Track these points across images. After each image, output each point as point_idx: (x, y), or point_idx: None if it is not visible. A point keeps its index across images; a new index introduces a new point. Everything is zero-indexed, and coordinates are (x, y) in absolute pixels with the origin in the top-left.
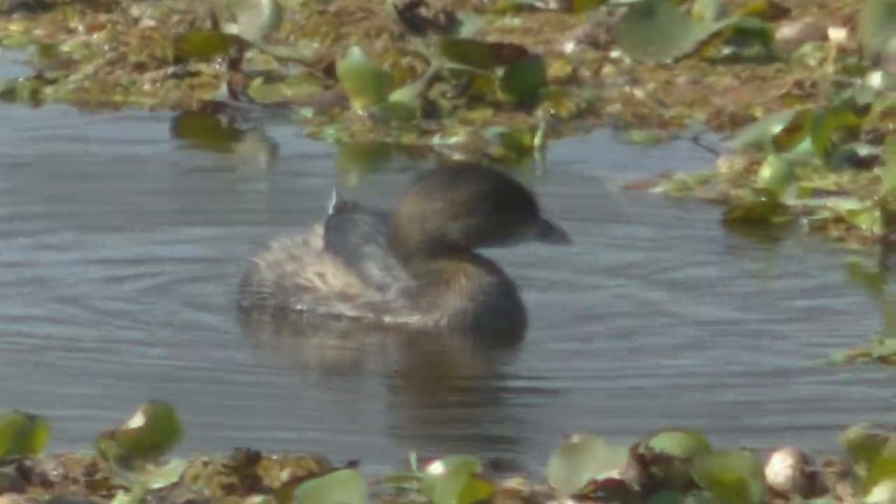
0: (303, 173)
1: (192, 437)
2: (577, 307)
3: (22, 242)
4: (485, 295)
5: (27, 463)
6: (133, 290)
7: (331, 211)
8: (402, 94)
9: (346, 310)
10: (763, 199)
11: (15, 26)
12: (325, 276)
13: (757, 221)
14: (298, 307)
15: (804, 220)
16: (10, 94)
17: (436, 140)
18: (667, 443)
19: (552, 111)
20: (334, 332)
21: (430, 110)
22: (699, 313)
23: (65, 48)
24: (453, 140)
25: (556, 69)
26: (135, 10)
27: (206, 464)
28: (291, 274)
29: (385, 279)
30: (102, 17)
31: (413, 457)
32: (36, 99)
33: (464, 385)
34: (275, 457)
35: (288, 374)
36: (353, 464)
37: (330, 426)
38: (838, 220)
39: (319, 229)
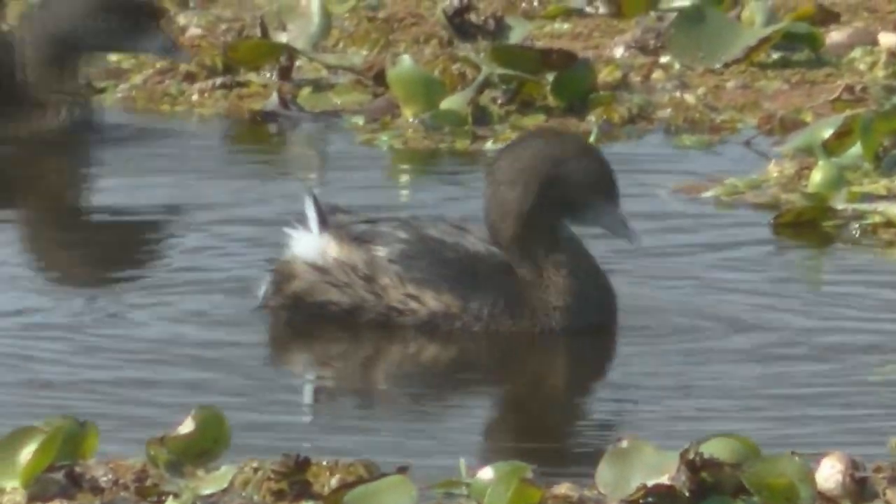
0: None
1: (242, 443)
2: (631, 309)
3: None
4: (583, 295)
5: (77, 469)
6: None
7: (314, 217)
8: (453, 101)
9: (450, 325)
10: (813, 203)
11: None
12: (419, 298)
13: (807, 226)
14: (398, 322)
15: (854, 225)
16: None
17: (488, 146)
18: (716, 448)
19: (604, 116)
20: (400, 339)
21: (481, 116)
22: (750, 318)
23: (112, 57)
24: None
25: (605, 74)
26: (182, 19)
27: (255, 470)
28: (376, 295)
29: (480, 291)
30: None
31: (462, 462)
32: None
33: (527, 389)
34: (324, 462)
35: (345, 380)
36: (402, 469)
37: (383, 432)
38: (888, 224)
39: (335, 236)
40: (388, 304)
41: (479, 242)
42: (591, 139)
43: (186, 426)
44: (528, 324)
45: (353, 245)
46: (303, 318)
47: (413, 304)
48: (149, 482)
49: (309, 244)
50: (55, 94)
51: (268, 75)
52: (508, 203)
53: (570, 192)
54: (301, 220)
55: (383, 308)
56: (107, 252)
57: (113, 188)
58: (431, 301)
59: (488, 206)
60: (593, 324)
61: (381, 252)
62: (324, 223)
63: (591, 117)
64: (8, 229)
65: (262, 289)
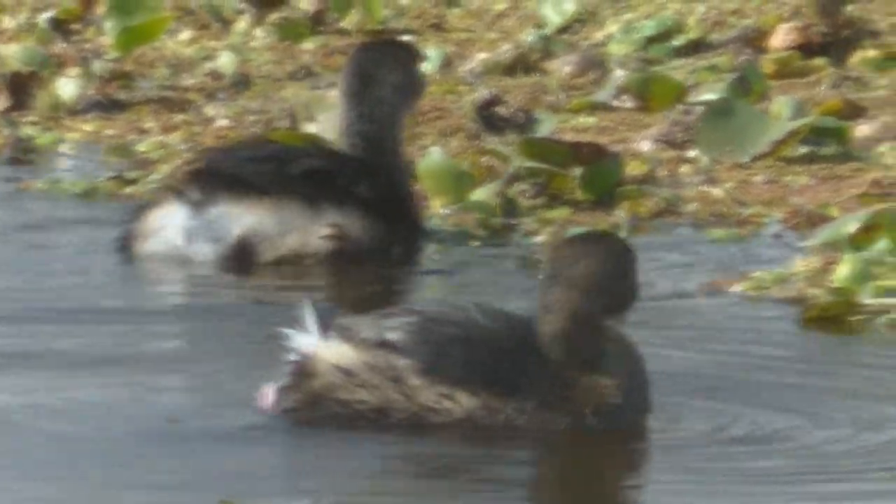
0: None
1: None
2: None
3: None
4: (626, 395)
5: None
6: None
7: (314, 321)
8: (482, 194)
9: (489, 421)
10: (839, 297)
11: (89, 126)
12: (453, 396)
13: (833, 320)
14: (431, 422)
15: (881, 319)
16: (91, 194)
17: (517, 239)
18: None
19: (632, 211)
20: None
21: (510, 209)
22: (780, 414)
23: (141, 148)
24: (535, 239)
25: (632, 168)
26: (209, 110)
27: None
28: (405, 396)
29: (516, 385)
30: (177, 118)
31: None
32: (117, 198)
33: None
34: None
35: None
36: None
37: None
38: None
39: (346, 338)
40: (421, 404)
41: (497, 324)
42: (622, 234)
43: None
44: (569, 420)
45: (373, 349)
46: (323, 417)
47: (447, 404)
48: None
49: (323, 345)
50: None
51: None
52: (561, 301)
53: (620, 301)
54: (299, 324)
55: (415, 408)
56: None
57: None
58: (466, 400)
59: (541, 301)
60: (631, 423)
61: (403, 359)
62: (325, 326)
63: (619, 211)
64: None
65: (272, 391)
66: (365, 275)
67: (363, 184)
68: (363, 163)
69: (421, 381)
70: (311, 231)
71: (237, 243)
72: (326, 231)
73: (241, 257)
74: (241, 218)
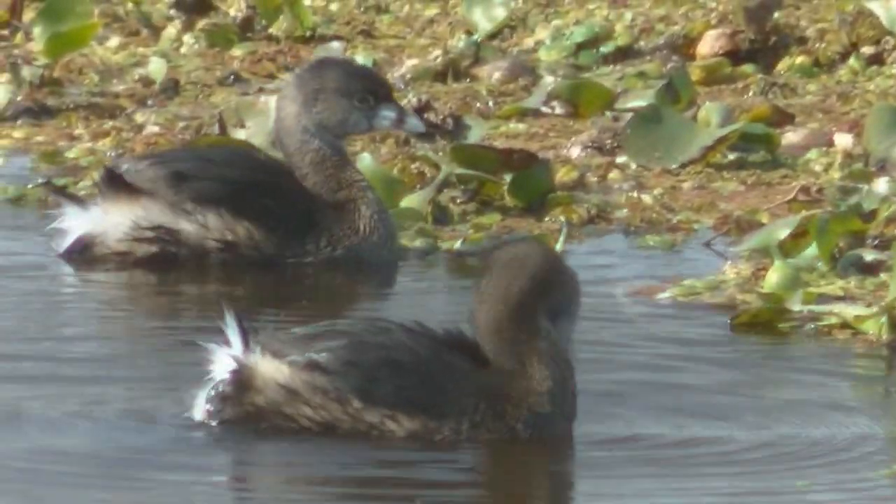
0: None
1: None
2: (590, 415)
3: None
4: (559, 404)
5: None
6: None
7: (238, 334)
8: (413, 200)
9: (429, 439)
10: (769, 304)
11: (19, 133)
12: (395, 417)
13: (763, 326)
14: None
15: (810, 326)
16: (20, 201)
17: (456, 245)
18: None
19: (563, 218)
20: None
21: (441, 216)
22: (710, 427)
23: (70, 154)
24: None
25: (562, 174)
26: (139, 117)
27: None
28: (351, 417)
29: (452, 404)
30: (107, 124)
31: None
32: (46, 205)
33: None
34: None
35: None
36: None
37: None
38: (844, 325)
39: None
40: (366, 422)
41: (429, 343)
42: (560, 240)
43: None
44: (504, 432)
45: (309, 371)
46: (266, 429)
47: (391, 425)
48: None
49: (256, 361)
50: (342, 191)
51: None
52: (501, 301)
53: (552, 301)
54: (222, 336)
55: (363, 426)
56: None
57: None
58: (407, 422)
59: (481, 303)
60: (563, 432)
61: (340, 382)
62: (247, 341)
63: (549, 218)
64: None
65: (201, 403)
66: (257, 279)
67: (256, 192)
68: (265, 170)
69: (363, 403)
70: (137, 233)
71: (76, 240)
72: (149, 234)
73: (78, 252)
74: (93, 216)
